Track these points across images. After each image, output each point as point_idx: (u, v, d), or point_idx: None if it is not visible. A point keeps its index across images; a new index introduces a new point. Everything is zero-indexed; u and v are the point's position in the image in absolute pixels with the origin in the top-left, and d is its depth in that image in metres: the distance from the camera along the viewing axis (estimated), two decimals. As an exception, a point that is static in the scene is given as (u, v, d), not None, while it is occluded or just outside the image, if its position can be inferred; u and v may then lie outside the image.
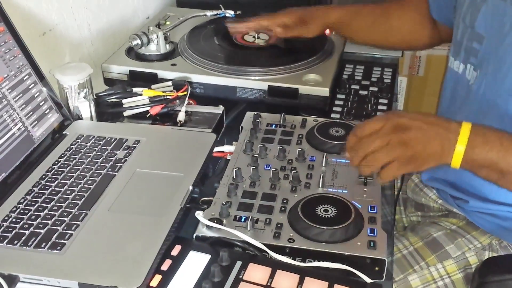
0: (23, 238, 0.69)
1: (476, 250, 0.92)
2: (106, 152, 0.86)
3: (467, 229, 0.95)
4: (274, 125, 0.94)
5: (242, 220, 0.73)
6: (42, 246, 0.68)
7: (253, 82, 1.03)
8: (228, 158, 0.88)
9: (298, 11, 1.08)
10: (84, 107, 0.95)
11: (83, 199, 0.76)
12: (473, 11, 0.89)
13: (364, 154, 0.73)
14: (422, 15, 1.10)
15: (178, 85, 1.00)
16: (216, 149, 0.89)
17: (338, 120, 0.94)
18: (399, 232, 1.02)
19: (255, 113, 0.96)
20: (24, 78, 0.87)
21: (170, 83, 1.01)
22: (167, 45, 1.11)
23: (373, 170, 0.73)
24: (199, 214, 0.72)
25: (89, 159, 0.84)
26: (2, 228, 0.71)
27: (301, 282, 0.64)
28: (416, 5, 1.10)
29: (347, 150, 0.76)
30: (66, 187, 0.78)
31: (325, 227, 0.70)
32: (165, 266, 0.66)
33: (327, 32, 1.17)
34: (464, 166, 0.73)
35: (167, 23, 1.24)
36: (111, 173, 0.82)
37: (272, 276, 0.65)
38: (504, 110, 0.83)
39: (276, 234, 0.70)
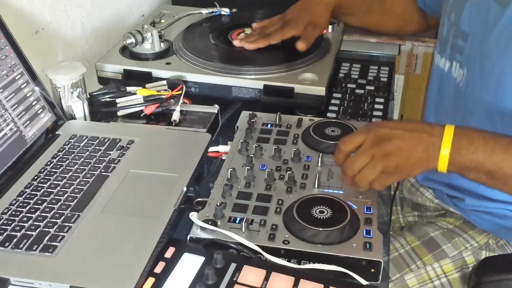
0: (15, 240, 0.68)
1: (473, 250, 0.92)
2: (100, 152, 0.85)
3: (464, 228, 0.95)
4: (269, 125, 0.93)
5: (237, 221, 0.72)
6: (34, 248, 0.67)
7: (248, 81, 1.02)
8: (223, 158, 0.87)
9: (301, 19, 1.08)
10: (78, 106, 0.94)
11: (75, 201, 0.75)
12: (458, 8, 0.90)
13: (352, 174, 0.74)
14: (412, 2, 1.12)
15: (172, 84, 0.99)
16: (211, 149, 0.88)
17: (334, 120, 0.94)
18: (396, 232, 1.01)
19: (251, 112, 0.95)
20: (16, 78, 0.86)
21: (164, 82, 1.00)
22: (162, 44, 1.10)
23: (365, 186, 0.74)
24: (193, 216, 0.72)
25: (82, 159, 0.83)
26: (-7, 230, 0.70)
27: (296, 284, 0.63)
28: None
29: (337, 165, 0.79)
30: (58, 188, 0.77)
31: (320, 229, 0.69)
32: (158, 269, 0.65)
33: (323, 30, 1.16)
34: (451, 169, 0.73)
35: (162, 21, 1.23)
36: (104, 173, 0.81)
37: (267, 278, 0.64)
38: (492, 106, 0.84)
39: (271, 236, 0.69)
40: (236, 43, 1.10)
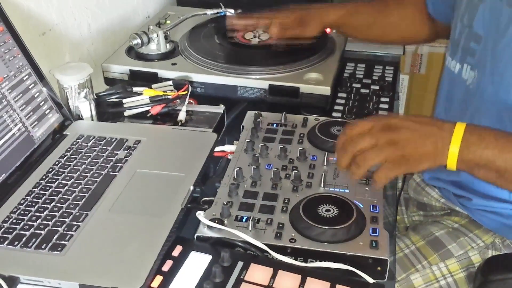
0: (24, 239, 0.69)
1: (479, 249, 0.92)
2: (107, 152, 0.86)
3: (470, 228, 0.94)
4: (275, 124, 0.94)
5: (244, 220, 0.72)
6: (43, 247, 0.68)
7: (254, 81, 1.02)
8: (229, 157, 0.88)
9: (297, 10, 1.08)
10: (85, 107, 0.94)
11: (83, 200, 0.76)
12: (471, 11, 0.89)
13: (352, 152, 0.71)
14: (421, 12, 1.10)
15: (178, 84, 1.00)
16: (217, 148, 0.89)
17: (339, 119, 0.94)
18: (401, 232, 1.01)
19: (256, 112, 0.96)
20: (24, 78, 0.87)
21: (170, 82, 1.01)
22: (168, 44, 1.11)
23: (363, 170, 0.71)
24: (200, 214, 0.72)
25: (89, 159, 0.84)
26: (3, 229, 0.71)
27: (302, 282, 0.64)
28: (414, 2, 1.10)
29: (336, 151, 0.74)
30: (66, 187, 0.78)
31: (326, 227, 0.69)
32: (166, 267, 0.66)
33: (328, 30, 1.17)
34: (461, 167, 0.72)
35: (167, 22, 1.24)
36: (111, 173, 0.81)
37: (273, 276, 0.65)
38: (502, 107, 0.83)
39: (278, 234, 0.70)
40: (227, 22, 1.11)
